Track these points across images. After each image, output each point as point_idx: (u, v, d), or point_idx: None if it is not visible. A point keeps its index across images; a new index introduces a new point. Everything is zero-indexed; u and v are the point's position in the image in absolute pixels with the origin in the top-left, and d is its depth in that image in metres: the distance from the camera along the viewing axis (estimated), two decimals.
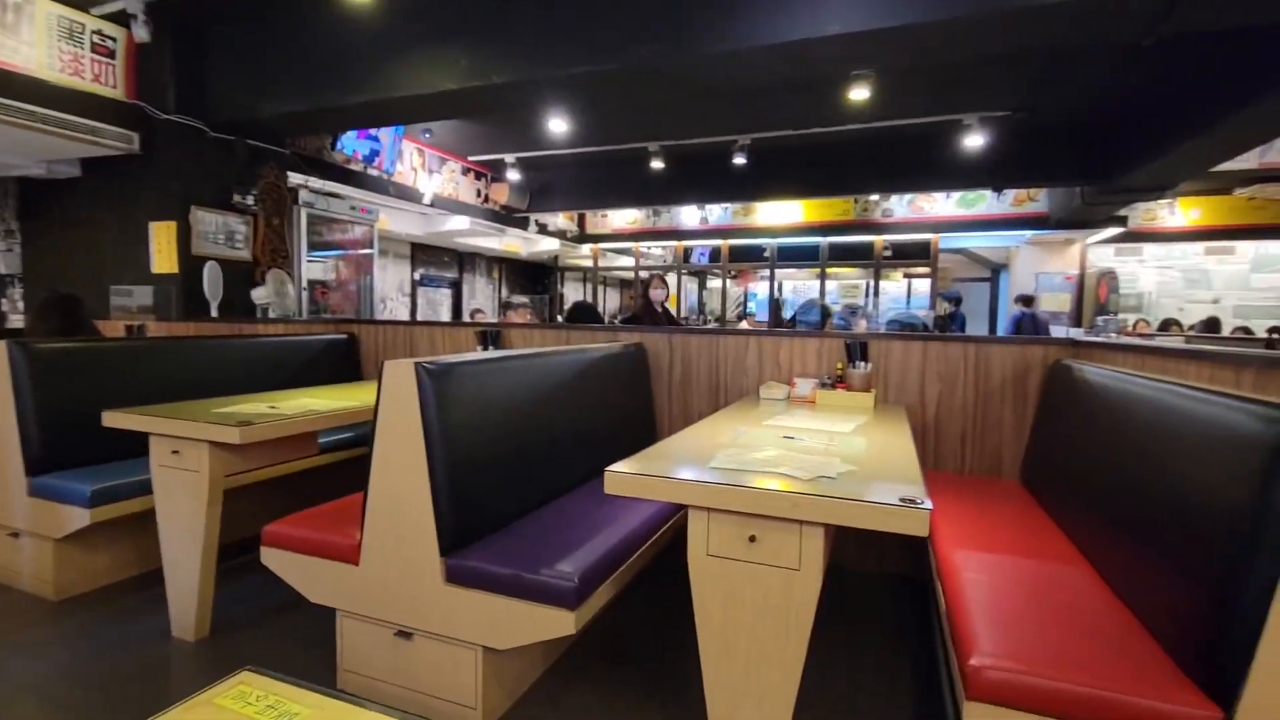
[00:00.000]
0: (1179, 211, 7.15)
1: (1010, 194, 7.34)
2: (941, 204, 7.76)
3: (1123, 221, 6.87)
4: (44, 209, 4.23)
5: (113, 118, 3.58)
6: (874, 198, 7.88)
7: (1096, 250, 7.72)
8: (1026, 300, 7.33)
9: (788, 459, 1.59)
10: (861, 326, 4.42)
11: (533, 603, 1.59)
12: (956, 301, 7.90)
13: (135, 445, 2.17)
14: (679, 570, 1.49)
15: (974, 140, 5.28)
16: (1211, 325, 7.05)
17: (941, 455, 2.77)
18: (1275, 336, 6.04)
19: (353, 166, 5.33)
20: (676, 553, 1.63)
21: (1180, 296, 7.48)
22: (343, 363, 3.79)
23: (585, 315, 4.41)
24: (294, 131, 4.41)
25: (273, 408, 2.34)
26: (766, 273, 9.22)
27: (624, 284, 12.44)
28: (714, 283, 11.26)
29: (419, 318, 8.22)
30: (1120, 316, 7.40)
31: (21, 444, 2.40)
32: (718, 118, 5.52)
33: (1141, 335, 6.57)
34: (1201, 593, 1.20)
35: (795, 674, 1.39)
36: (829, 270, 8.95)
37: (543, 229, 8.64)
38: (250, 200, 4.09)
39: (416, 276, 8.24)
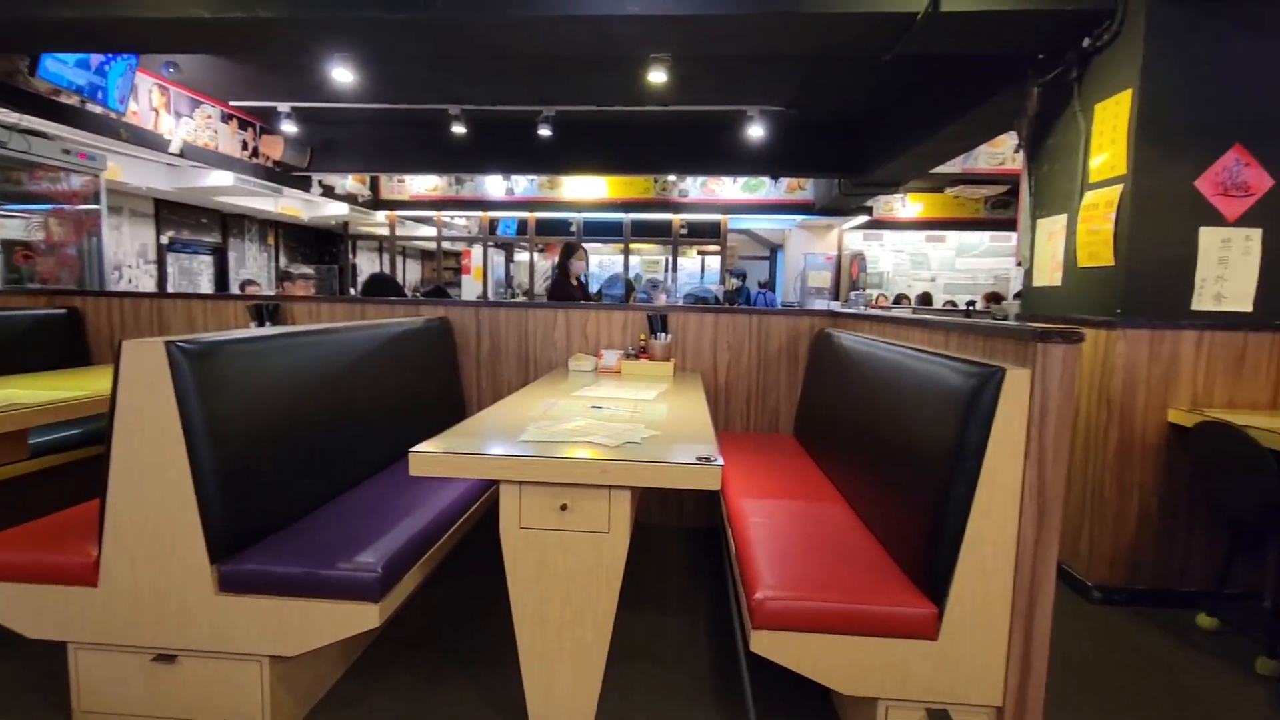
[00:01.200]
0: (909, 204, 8.62)
1: (785, 181, 8.22)
2: (729, 187, 8.45)
3: (869, 211, 8.08)
4: None
5: None
6: (672, 178, 8.31)
7: (850, 235, 9.00)
8: (764, 284, 8.50)
9: (596, 428, 1.65)
10: (661, 300, 4.69)
11: (330, 600, 1.47)
12: (742, 277, 8.73)
13: None
14: (492, 546, 1.48)
15: (755, 131, 5.81)
16: (925, 299, 8.67)
17: (731, 416, 3.07)
18: (971, 308, 7.63)
19: (64, 100, 4.27)
20: (489, 529, 1.62)
21: (909, 275, 9.05)
22: (62, 345, 3.08)
23: (383, 288, 4.08)
24: None
25: None
26: None
27: (425, 255, 11.71)
28: (521, 255, 11.08)
29: (170, 289, 6.94)
30: (867, 292, 8.76)
31: None
32: (522, 86, 5.38)
33: (881, 307, 7.87)
34: (922, 516, 1.49)
35: (606, 631, 1.47)
36: (632, 246, 9.30)
37: (328, 191, 7.76)
38: None
39: (164, 240, 6.93)
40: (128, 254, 6.47)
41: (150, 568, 1.49)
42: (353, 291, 9.18)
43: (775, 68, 4.78)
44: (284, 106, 5.79)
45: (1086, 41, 2.60)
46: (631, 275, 9.41)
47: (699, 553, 2.78)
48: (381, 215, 9.07)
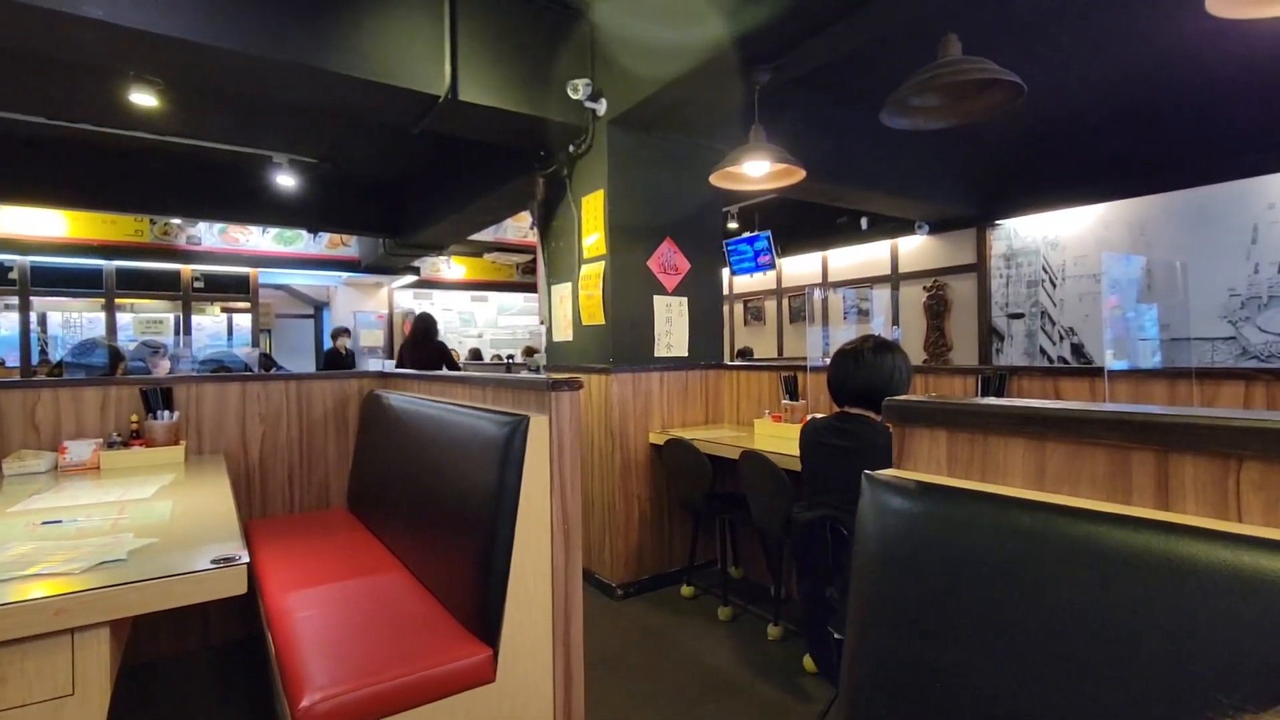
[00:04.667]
0: (454, 265, 9.17)
1: (326, 236, 7.74)
2: (258, 238, 7.48)
3: (416, 270, 8.28)
4: None
5: None
6: (177, 221, 6.88)
7: (400, 293, 9.03)
8: (338, 333, 7.79)
9: (49, 550, 1.22)
10: (164, 369, 3.79)
11: None
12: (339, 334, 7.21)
13: None
14: None
15: (286, 180, 5.32)
16: (476, 354, 9.32)
17: (270, 498, 2.67)
18: (511, 360, 8.53)
19: None
20: None
21: (459, 333, 9.58)
22: None
23: None
24: None
25: None
26: (15, 300, 6.71)
27: None
28: None
29: None
30: None
31: None
32: None
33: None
34: (473, 562, 1.58)
35: None
36: (121, 301, 7.26)
37: None
38: None
39: None
40: None
41: None
42: None
43: (307, 117, 4.50)
44: None
45: (572, 147, 3.28)
46: (123, 339, 7.33)
47: (233, 676, 2.29)
48: None
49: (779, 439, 2.71)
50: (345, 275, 8.25)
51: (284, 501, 2.70)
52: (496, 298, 9.85)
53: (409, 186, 6.19)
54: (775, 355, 7.62)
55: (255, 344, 7.68)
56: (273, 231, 7.48)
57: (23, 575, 1.10)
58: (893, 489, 0.82)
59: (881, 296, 6.39)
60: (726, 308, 8.03)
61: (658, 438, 3.08)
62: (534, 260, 9.72)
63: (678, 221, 3.31)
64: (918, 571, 0.75)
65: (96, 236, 6.61)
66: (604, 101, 3.07)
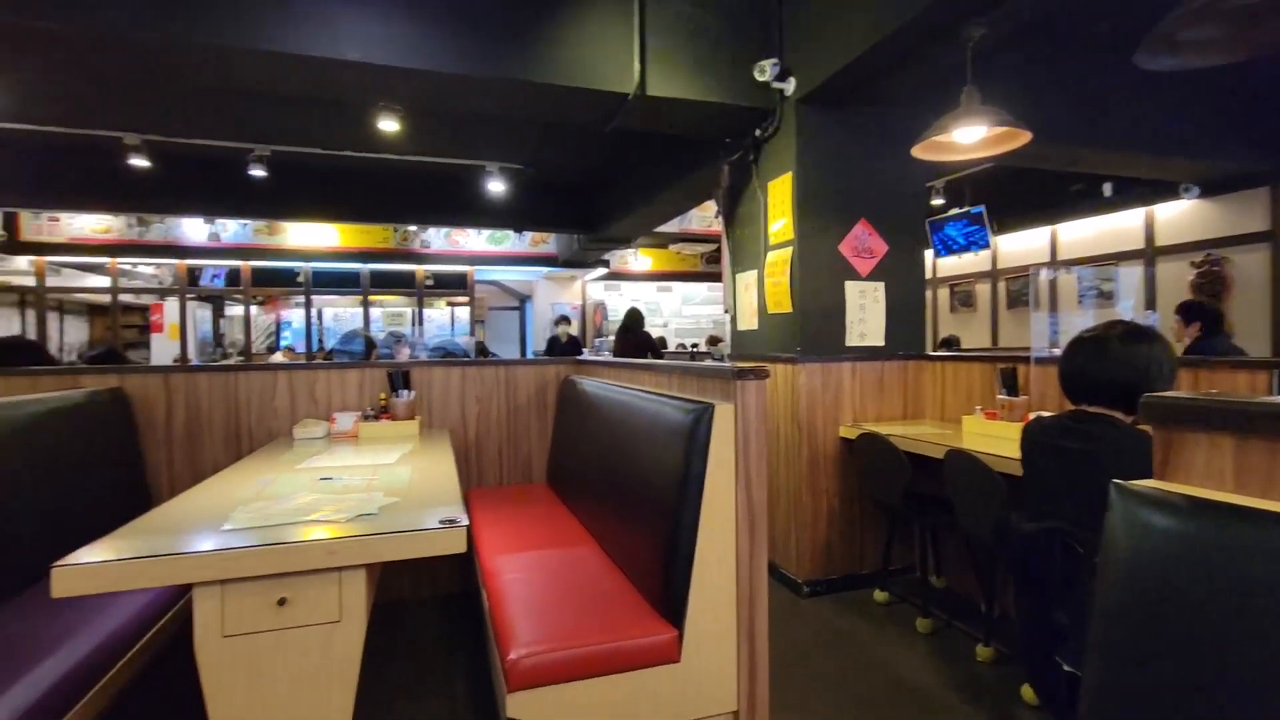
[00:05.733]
0: (640, 258, 9.53)
1: (529, 234, 8.49)
2: (475, 239, 8.43)
3: (606, 263, 8.74)
4: None
5: None
6: (412, 228, 8.01)
7: (592, 285, 9.61)
8: (559, 321, 8.47)
9: (324, 502, 1.48)
10: (404, 355, 4.43)
11: None
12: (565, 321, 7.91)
13: None
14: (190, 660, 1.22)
15: (496, 185, 5.93)
16: (661, 343, 9.55)
17: (484, 470, 3.00)
18: (695, 349, 8.63)
19: None
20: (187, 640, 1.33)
21: (645, 322, 9.93)
22: None
23: (18, 355, 3.16)
24: None
25: None
26: (302, 299, 8.34)
27: (95, 310, 9.43)
28: (234, 309, 9.58)
29: None
30: (610, 338, 9.39)
31: None
32: (229, 119, 4.75)
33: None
34: (659, 545, 1.62)
35: None
36: (373, 298, 8.68)
37: None
38: None
39: None
40: None
41: None
42: None
43: (513, 127, 4.96)
44: None
45: (759, 132, 3.20)
46: (374, 330, 8.75)
47: (456, 622, 2.63)
48: (24, 261, 7.13)
49: (993, 439, 2.41)
50: (545, 270, 8.98)
51: (495, 474, 3.02)
52: (681, 288, 10.04)
53: (599, 184, 6.54)
54: (988, 345, 6.81)
55: (472, 333, 8.69)
56: (485, 233, 8.37)
57: (306, 520, 1.35)
58: (1154, 504, 0.68)
59: (1130, 275, 5.38)
60: (929, 293, 7.34)
61: (849, 431, 2.91)
62: (718, 249, 9.72)
63: (873, 201, 3.08)
64: (1190, 608, 0.61)
65: (357, 244, 7.94)
66: (792, 80, 2.95)
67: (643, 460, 1.83)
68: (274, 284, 8.28)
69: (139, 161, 4.93)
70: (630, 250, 9.30)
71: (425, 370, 2.93)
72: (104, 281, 7.75)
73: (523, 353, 10.13)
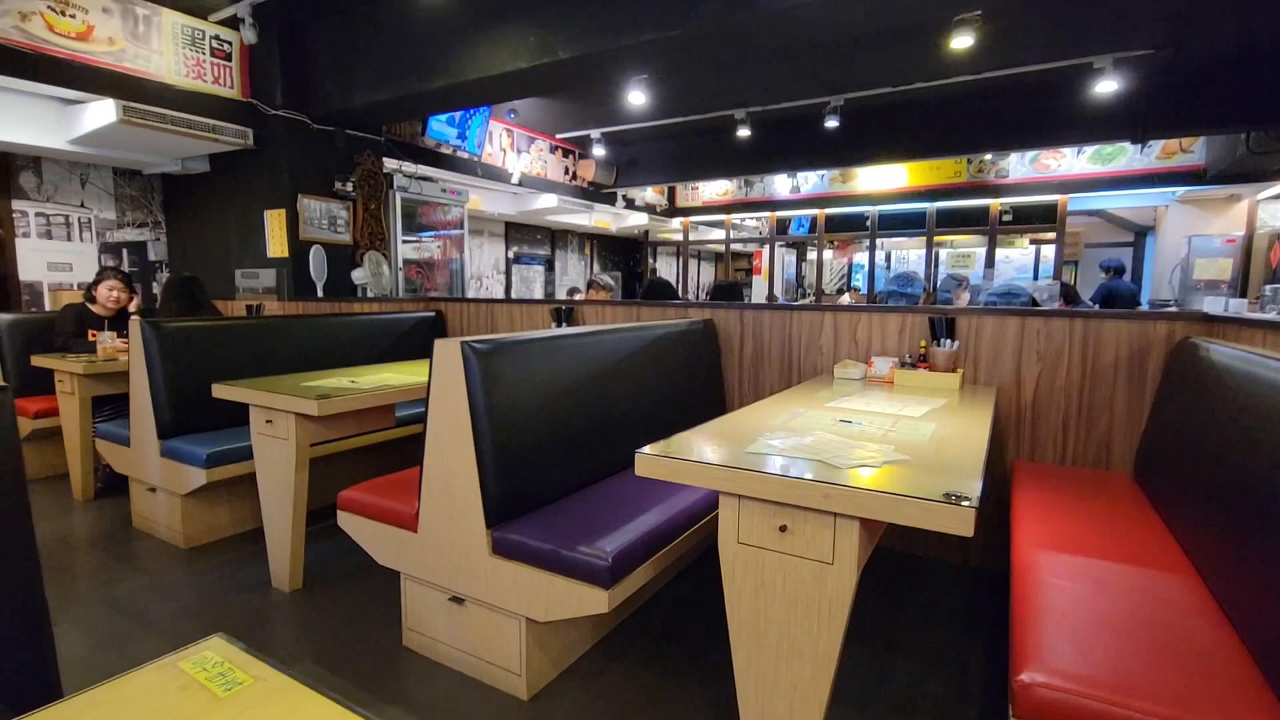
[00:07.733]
0: None
1: (1156, 146, 6.42)
2: (1071, 160, 6.93)
3: None
4: (181, 202, 4.75)
5: (231, 116, 3.92)
6: (988, 157, 7.18)
7: (1268, 206, 6.60)
8: (1117, 270, 6.32)
9: (833, 445, 1.49)
10: (963, 300, 4.06)
11: (569, 579, 1.61)
12: (1118, 271, 6.42)
13: (245, 414, 2.40)
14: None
15: (1107, 86, 4.63)
16: None
17: (1039, 443, 2.50)
18: None
19: (443, 150, 5.54)
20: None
21: None
22: (430, 339, 3.99)
23: (660, 292, 4.36)
24: (385, 119, 4.63)
25: (353, 382, 2.51)
26: (867, 242, 8.72)
27: (718, 257, 12.22)
28: (814, 254, 10.81)
29: (513, 295, 8.51)
30: None
31: (154, 411, 2.73)
32: (807, 78, 5.21)
33: None
34: None
35: (828, 668, 1.31)
36: (938, 238, 8.31)
37: (630, 204, 8.63)
38: (349, 187, 4.37)
39: (510, 255, 8.53)
40: (485, 267, 8.12)
41: (448, 525, 1.82)
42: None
43: (1131, 1, 3.76)
44: (595, 133, 6.60)
45: None
46: (940, 272, 8.44)
47: (984, 601, 2.34)
48: (676, 222, 9.74)
49: None
50: (1181, 190, 6.71)
51: (1055, 450, 2.48)
52: None
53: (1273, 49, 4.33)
54: None
55: (1056, 276, 7.32)
56: (1088, 151, 6.78)
57: (814, 458, 1.38)
58: None
59: None
60: None
61: None
62: None
63: None
64: None
65: (924, 183, 7.67)
66: None
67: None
68: (844, 229, 8.87)
69: (743, 132, 5.94)
70: None
71: (974, 318, 2.60)
72: (721, 234, 9.89)
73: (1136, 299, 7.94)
